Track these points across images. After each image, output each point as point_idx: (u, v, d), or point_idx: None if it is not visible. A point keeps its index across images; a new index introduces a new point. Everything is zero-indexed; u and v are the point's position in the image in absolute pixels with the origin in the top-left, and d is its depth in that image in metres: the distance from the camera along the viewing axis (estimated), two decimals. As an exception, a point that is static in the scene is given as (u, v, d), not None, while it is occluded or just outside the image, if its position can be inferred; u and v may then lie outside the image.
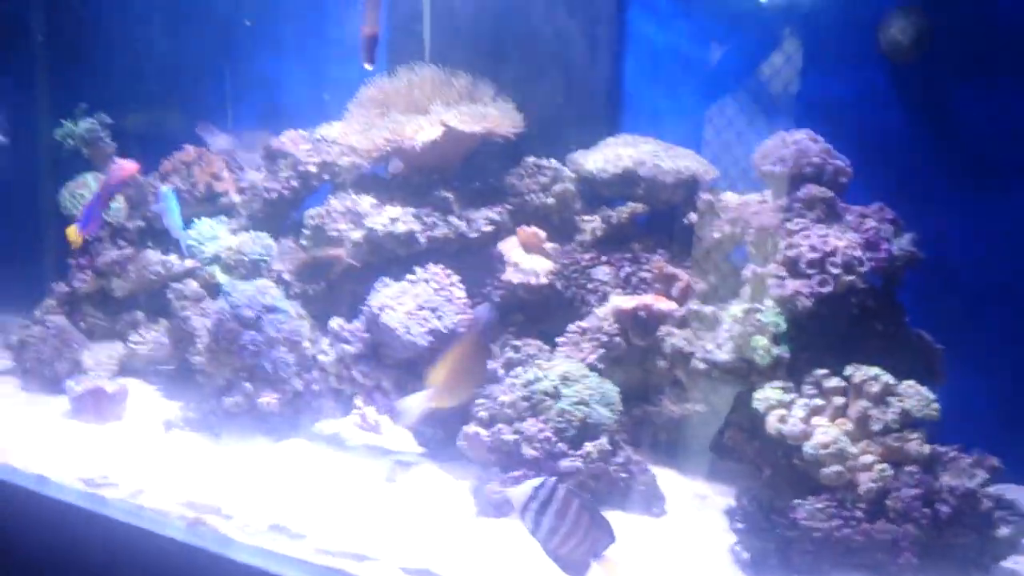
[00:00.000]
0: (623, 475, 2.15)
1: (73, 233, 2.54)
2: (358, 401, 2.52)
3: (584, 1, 2.88)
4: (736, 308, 2.22)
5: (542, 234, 2.64)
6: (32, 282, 3.48)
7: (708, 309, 2.35)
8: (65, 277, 3.02)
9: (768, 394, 2.01)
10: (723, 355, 2.19)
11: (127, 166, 2.38)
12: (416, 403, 1.94)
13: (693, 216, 2.60)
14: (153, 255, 2.96)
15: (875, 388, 1.94)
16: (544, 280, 2.60)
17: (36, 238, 3.46)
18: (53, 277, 3.35)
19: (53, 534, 2.18)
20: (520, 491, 1.65)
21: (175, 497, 2.12)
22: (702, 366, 2.25)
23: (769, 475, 2.14)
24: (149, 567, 2.03)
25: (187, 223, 2.89)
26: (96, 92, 3.12)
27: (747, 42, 2.72)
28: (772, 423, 1.97)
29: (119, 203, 2.97)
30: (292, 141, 2.96)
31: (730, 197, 2.62)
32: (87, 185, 2.97)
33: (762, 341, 2.11)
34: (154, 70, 3.20)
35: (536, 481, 1.65)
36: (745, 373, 2.17)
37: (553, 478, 1.70)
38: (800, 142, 2.34)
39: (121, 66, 3.23)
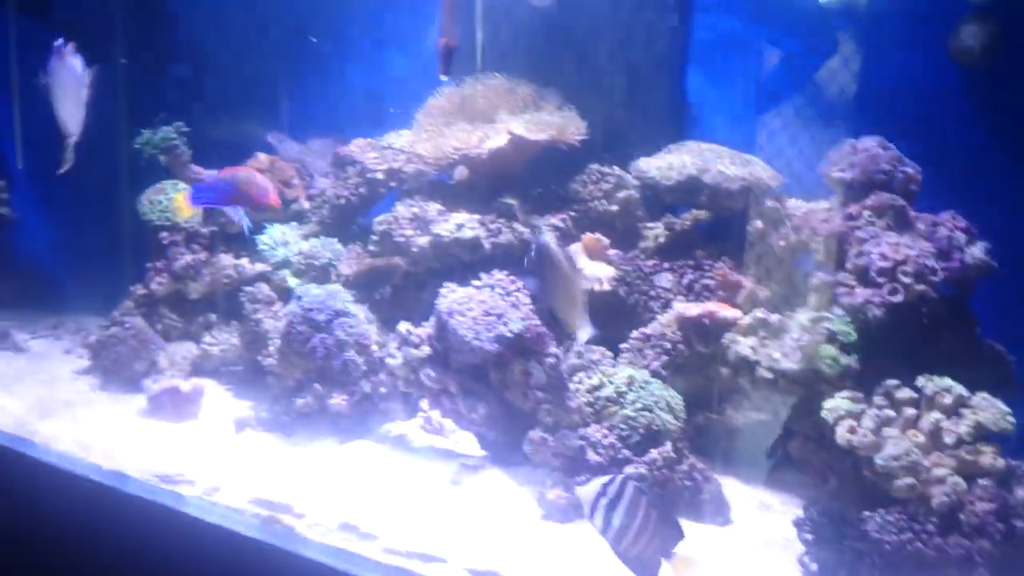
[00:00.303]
0: (688, 483, 2.15)
1: (181, 200, 2.45)
2: (424, 404, 2.56)
3: (647, 8, 2.89)
4: (803, 316, 2.21)
5: (606, 241, 2.65)
6: (110, 285, 3.62)
7: (774, 317, 2.34)
8: (143, 280, 3.13)
9: (837, 404, 1.99)
10: (790, 364, 2.18)
11: (274, 198, 2.33)
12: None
13: (758, 223, 2.59)
14: (226, 259, 3.05)
15: (948, 400, 1.91)
16: (607, 287, 2.62)
17: (115, 242, 3.59)
18: (131, 280, 3.48)
19: (132, 529, 2.24)
20: (588, 489, 1.64)
21: (248, 495, 2.18)
22: (768, 375, 2.24)
23: (835, 486, 2.12)
24: (224, 563, 2.08)
25: (259, 229, 2.98)
26: (174, 101, 3.23)
27: (812, 47, 2.70)
28: (842, 433, 1.95)
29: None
30: (360, 149, 3.03)
31: (796, 204, 2.61)
32: (164, 191, 3.07)
33: (831, 350, 2.10)
34: (229, 80, 3.30)
35: (604, 479, 1.64)
36: (812, 382, 2.15)
37: (621, 475, 1.69)
38: (870, 149, 2.32)
39: (198, 76, 3.34)
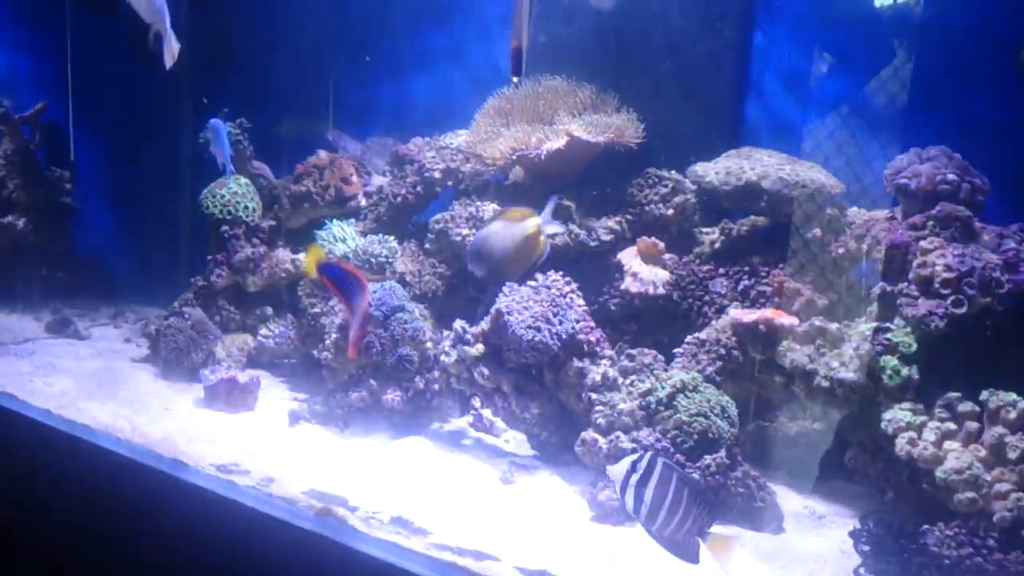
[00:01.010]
0: (741, 490, 2.14)
1: (312, 263, 2.34)
2: (476, 402, 2.58)
3: (708, 15, 2.87)
4: (864, 326, 2.19)
5: (661, 245, 2.65)
6: (168, 275, 3.70)
7: (833, 326, 2.32)
8: (202, 272, 3.19)
9: (898, 416, 1.97)
10: (849, 373, 2.15)
11: (356, 335, 2.35)
12: None
13: (817, 231, 2.57)
14: (284, 254, 3.10)
15: (1012, 415, 1.87)
16: (662, 291, 2.61)
17: (173, 235, 3.67)
18: (187, 271, 3.56)
19: (188, 517, 2.28)
20: (619, 467, 1.64)
21: (303, 487, 2.21)
22: (825, 383, 2.22)
23: (892, 498, 2.10)
24: (278, 553, 2.11)
25: (319, 225, 3.02)
26: (237, 98, 3.29)
27: (874, 57, 2.67)
28: (902, 446, 1.93)
29: (255, 202, 3.13)
30: (418, 148, 3.06)
31: (856, 212, 2.58)
32: (226, 185, 3.13)
33: (892, 361, 2.07)
34: (292, 78, 3.35)
35: (633, 456, 1.65)
36: (871, 393, 2.13)
37: (650, 452, 1.70)
38: (936, 158, 2.29)
39: (261, 74, 3.40)
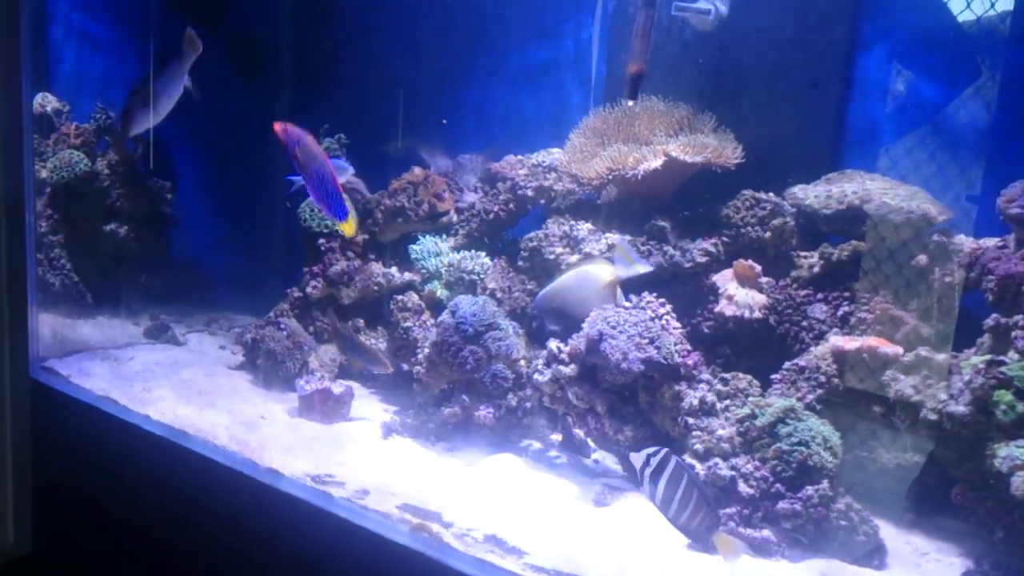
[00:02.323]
0: (843, 523, 2.09)
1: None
2: (568, 421, 2.57)
3: (808, 37, 2.83)
4: (976, 359, 2.11)
5: (758, 268, 2.61)
6: (260, 286, 3.79)
7: (940, 356, 2.25)
8: (298, 283, 3.26)
9: (1014, 453, 1.90)
10: (959, 407, 2.09)
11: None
12: None
13: (922, 258, 2.50)
14: (376, 267, 3.15)
15: None
16: (758, 315, 2.57)
17: (267, 246, 3.76)
18: (280, 282, 3.64)
19: (283, 526, 2.32)
20: (637, 456, 1.83)
21: (397, 500, 2.23)
22: (933, 416, 2.16)
23: (1002, 537, 2.02)
24: (373, 567, 2.13)
25: (411, 239, 3.06)
26: (335, 114, 3.36)
27: (981, 81, 2.60)
28: (1018, 484, 1.86)
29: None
30: (510, 166, 3.08)
31: (963, 240, 2.50)
32: (324, 200, 3.19)
33: (1006, 396, 1.99)
34: (387, 95, 3.40)
35: (650, 449, 1.83)
36: (983, 428, 2.05)
37: (665, 449, 1.85)
38: (1053, 187, 2.21)
39: (357, 91, 3.47)
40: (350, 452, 2.56)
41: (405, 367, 3.02)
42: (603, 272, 2.45)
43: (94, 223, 3.66)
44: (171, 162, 3.84)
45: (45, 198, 3.59)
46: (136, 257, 3.72)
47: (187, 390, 2.95)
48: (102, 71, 4.05)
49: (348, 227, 2.22)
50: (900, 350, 2.35)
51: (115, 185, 3.68)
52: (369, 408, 2.94)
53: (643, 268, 2.46)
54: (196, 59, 2.89)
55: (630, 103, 1.99)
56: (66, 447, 2.95)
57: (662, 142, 2.69)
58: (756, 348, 2.66)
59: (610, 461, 2.56)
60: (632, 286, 2.63)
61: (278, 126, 2.26)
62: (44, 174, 3.56)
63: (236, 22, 3.82)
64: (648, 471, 1.80)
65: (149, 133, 3.46)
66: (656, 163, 2.60)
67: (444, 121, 3.35)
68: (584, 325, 2.43)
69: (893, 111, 2.82)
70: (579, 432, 2.52)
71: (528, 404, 2.57)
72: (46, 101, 3.80)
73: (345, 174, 2.99)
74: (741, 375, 2.50)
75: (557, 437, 2.66)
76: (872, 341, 2.38)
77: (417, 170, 3.20)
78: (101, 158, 3.71)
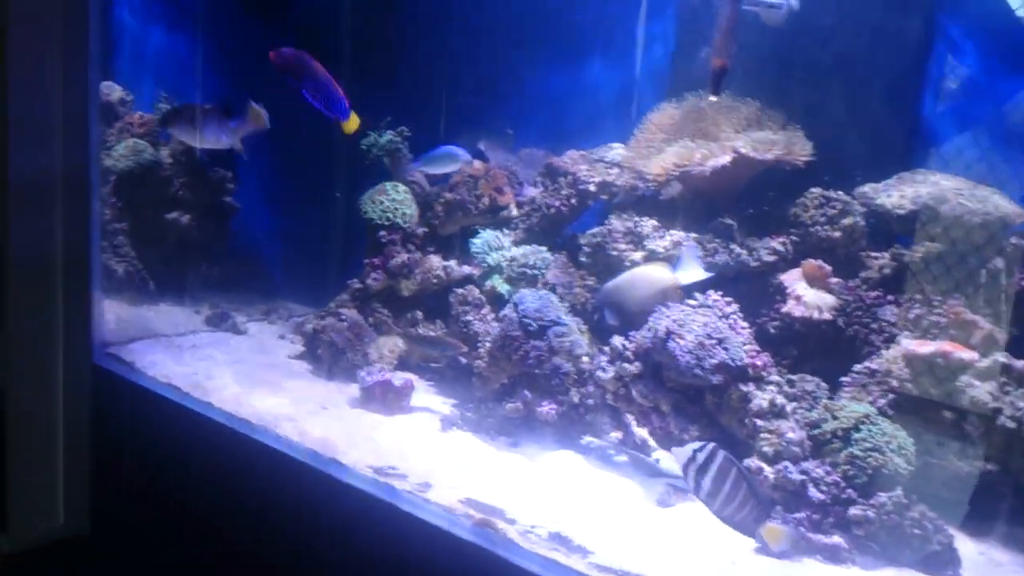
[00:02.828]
0: (917, 531, 2.04)
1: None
2: (629, 419, 2.55)
3: (881, 32, 2.76)
4: (1060, 366, 2.05)
5: (828, 268, 2.56)
6: (319, 276, 3.82)
7: (1020, 363, 2.19)
8: (358, 275, 3.28)
9: (1102, 465, 1.84)
10: (1041, 416, 2.03)
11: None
12: None
13: (998, 261, 2.43)
14: (435, 260, 3.15)
15: None
16: (827, 316, 2.52)
17: (325, 237, 3.78)
18: (337, 273, 3.66)
19: (345, 517, 2.33)
20: (682, 451, 1.81)
21: (459, 495, 2.23)
22: (1011, 424, 2.10)
23: (1083, 551, 1.97)
24: (436, 561, 2.12)
25: (471, 232, 3.06)
26: (397, 107, 3.37)
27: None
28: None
29: (412, 209, 3.19)
30: (572, 161, 3.06)
31: (1044, 243, 2.44)
32: (386, 192, 3.21)
33: (1093, 406, 1.94)
34: (448, 88, 3.40)
35: (696, 444, 1.80)
36: (1066, 438, 2.00)
37: (712, 444, 1.82)
38: None
39: (420, 84, 3.47)
40: (411, 444, 2.56)
41: (463, 361, 3.02)
42: (666, 276, 2.44)
43: (157, 211, 3.71)
44: (232, 152, 3.88)
45: (109, 186, 3.64)
46: (197, 246, 3.77)
47: (249, 379, 2.98)
48: (164, 61, 4.11)
49: (351, 124, 2.27)
50: (975, 355, 2.29)
51: (178, 174, 3.74)
52: (428, 400, 2.94)
53: (705, 275, 2.44)
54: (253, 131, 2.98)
55: (712, 98, 1.96)
56: (128, 432, 3.00)
57: (730, 138, 2.65)
58: (823, 350, 2.61)
59: (672, 461, 2.52)
60: (697, 284, 2.60)
61: (272, 54, 2.32)
62: (108, 162, 3.62)
63: (299, 14, 3.85)
64: (694, 467, 1.79)
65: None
66: (724, 159, 2.56)
67: (510, 132, 3.33)
68: (650, 322, 2.40)
69: (968, 109, 2.75)
70: (640, 431, 2.50)
71: (590, 401, 2.55)
72: (110, 90, 3.86)
73: (457, 163, 3.00)
74: (808, 377, 2.46)
75: (618, 435, 2.64)
76: (946, 345, 2.32)
77: (477, 163, 3.20)
78: (164, 147, 3.77)
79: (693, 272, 2.39)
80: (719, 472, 1.77)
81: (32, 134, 2.90)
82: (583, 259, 2.84)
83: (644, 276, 2.51)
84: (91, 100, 3.02)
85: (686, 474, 1.79)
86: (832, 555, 2.02)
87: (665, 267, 2.49)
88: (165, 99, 3.74)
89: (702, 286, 2.53)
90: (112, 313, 3.32)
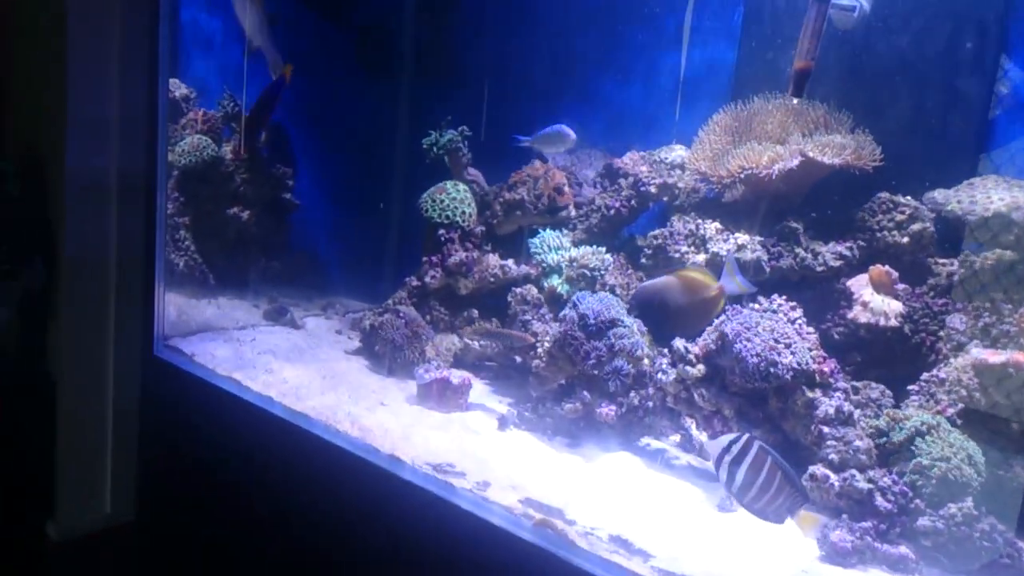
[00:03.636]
0: (986, 544, 2.00)
1: None
2: (687, 422, 2.53)
3: (953, 35, 2.71)
4: None
5: (895, 274, 2.52)
6: (375, 272, 3.86)
7: (1097, 376, 2.13)
8: (412, 272, 3.30)
9: None
10: (1120, 430, 1.97)
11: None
12: None
13: (1075, 270, 2.37)
14: (493, 259, 3.16)
15: None
16: (894, 322, 2.48)
17: (382, 234, 3.82)
18: (393, 270, 3.69)
19: (404, 514, 2.34)
20: (716, 443, 1.80)
21: (517, 494, 2.23)
22: (1088, 438, 2.05)
23: None
24: (496, 561, 2.12)
25: (529, 232, 3.06)
26: (458, 107, 3.38)
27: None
28: None
29: (472, 208, 3.20)
30: (632, 162, 3.05)
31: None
32: (446, 191, 3.22)
33: None
34: (508, 88, 3.41)
35: (732, 435, 1.79)
36: None
37: (747, 435, 1.81)
38: None
39: (480, 83, 3.48)
40: (469, 442, 2.57)
41: (518, 359, 3.03)
42: (709, 284, 2.37)
43: (218, 206, 3.77)
44: (292, 150, 3.93)
45: (172, 181, 3.71)
46: (257, 241, 3.82)
47: (308, 373, 3.01)
48: (227, 61, 4.18)
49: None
50: (1050, 366, 2.24)
51: (239, 171, 3.79)
52: (485, 399, 2.94)
53: (748, 289, 2.37)
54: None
55: (795, 100, 1.93)
56: (186, 424, 3.05)
57: (798, 141, 2.62)
58: (888, 357, 2.57)
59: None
60: (762, 288, 2.58)
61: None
62: (172, 158, 3.69)
63: (363, 15, 3.88)
64: (728, 458, 1.79)
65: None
66: (792, 163, 2.53)
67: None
68: (715, 325, 2.39)
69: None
70: (701, 435, 2.48)
71: (650, 403, 2.54)
72: (175, 87, 3.94)
73: (567, 142, 2.99)
74: (873, 384, 2.43)
75: (676, 438, 2.62)
76: (1019, 355, 2.27)
77: (537, 163, 3.20)
78: (226, 144, 3.83)
79: (737, 285, 2.31)
80: (754, 463, 1.76)
81: (90, 131, 2.97)
82: (643, 260, 2.83)
83: (686, 282, 2.41)
84: (160, 98, 3.08)
85: (719, 466, 1.80)
86: (899, 565, 1.98)
87: (707, 274, 2.42)
88: (229, 97, 3.80)
89: (768, 284, 2.51)
90: (173, 306, 3.38)
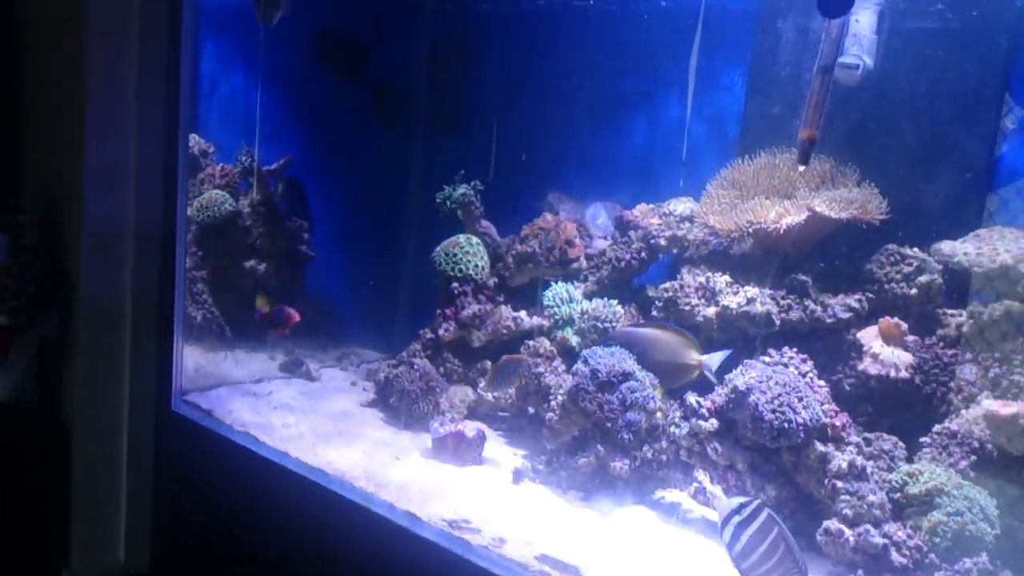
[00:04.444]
0: (1003, 598, 2.00)
1: None
2: (699, 475, 2.54)
3: (957, 90, 2.76)
4: None
5: (904, 326, 2.54)
6: (388, 324, 3.90)
7: (1108, 428, 2.14)
8: (426, 322, 3.34)
9: None
10: None
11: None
12: None
13: (1085, 322, 2.39)
14: (506, 311, 3.20)
15: None
16: (904, 374, 2.50)
17: (395, 286, 3.87)
18: (407, 322, 3.73)
19: (420, 571, 2.36)
20: (727, 503, 1.81)
21: (533, 550, 2.24)
22: (1101, 491, 2.05)
23: None
24: (511, 617, 2.15)
25: (541, 284, 3.11)
26: (470, 161, 3.45)
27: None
28: None
29: (484, 261, 3.26)
30: (642, 214, 3.10)
31: None
32: (459, 244, 3.28)
33: None
34: (518, 141, 3.47)
35: (743, 499, 1.80)
36: None
37: (758, 500, 1.82)
38: None
39: (491, 137, 3.55)
40: (484, 497, 2.59)
41: (531, 410, 3.05)
42: (692, 354, 2.51)
43: (235, 260, 3.84)
44: (307, 203, 4.01)
45: (190, 235, 3.79)
46: (273, 293, 3.88)
47: (324, 427, 3.05)
48: (245, 116, 4.28)
49: None
50: (1061, 417, 2.25)
51: (256, 224, 3.87)
52: (498, 451, 2.96)
53: (715, 380, 2.51)
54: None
55: (801, 168, 1.99)
56: (203, 479, 3.08)
57: (805, 196, 2.66)
58: (899, 408, 2.59)
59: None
60: (771, 341, 2.61)
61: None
62: (190, 212, 3.76)
63: (377, 71, 3.98)
64: (737, 519, 1.79)
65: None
66: (800, 218, 2.57)
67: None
68: (729, 379, 2.42)
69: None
70: (714, 488, 2.49)
71: (663, 457, 2.56)
72: (194, 142, 4.03)
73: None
74: (886, 436, 2.44)
75: (689, 492, 2.63)
76: (1030, 406, 2.29)
77: (549, 216, 3.26)
78: (243, 197, 3.91)
79: (713, 365, 2.45)
80: (761, 528, 1.76)
81: (107, 182, 3.03)
82: (654, 313, 2.86)
83: (669, 344, 2.57)
84: (180, 151, 3.15)
85: (725, 525, 1.80)
86: (916, 622, 1.99)
87: (694, 344, 2.54)
88: (247, 152, 3.89)
89: (778, 335, 2.55)
90: (190, 360, 3.42)
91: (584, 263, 3.21)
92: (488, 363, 3.24)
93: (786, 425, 2.23)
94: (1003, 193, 2.71)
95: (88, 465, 3.14)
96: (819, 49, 1.93)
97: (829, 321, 2.61)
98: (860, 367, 2.55)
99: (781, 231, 2.59)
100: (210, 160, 4.04)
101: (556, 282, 3.12)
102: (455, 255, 3.24)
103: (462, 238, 3.29)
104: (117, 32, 2.96)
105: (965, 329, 2.61)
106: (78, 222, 2.99)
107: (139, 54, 3.00)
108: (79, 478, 3.13)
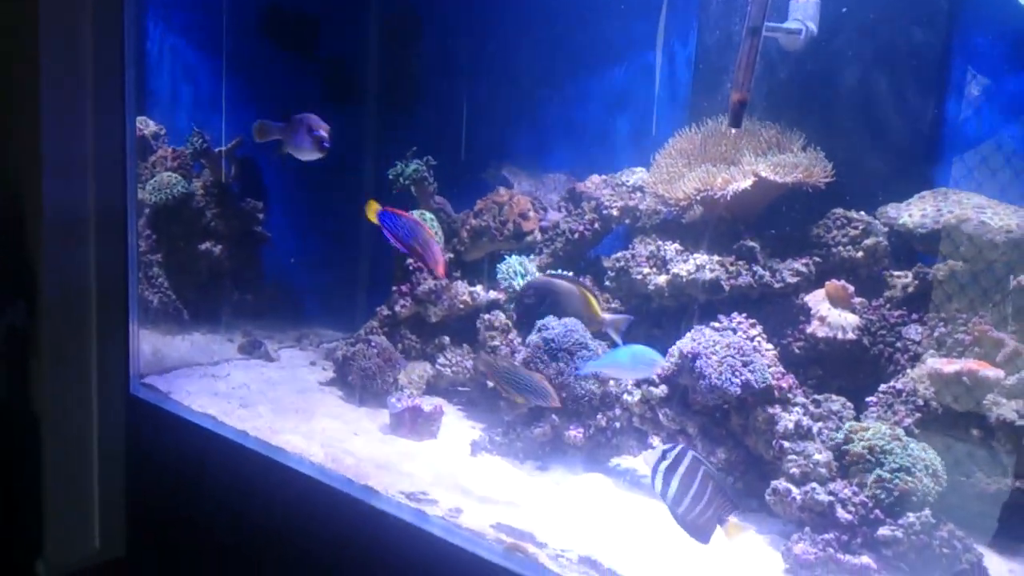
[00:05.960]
0: (946, 551, 2.05)
1: (373, 208, 2.52)
2: (655, 441, 2.57)
3: (899, 53, 2.78)
4: (1086, 384, 2.06)
5: (851, 289, 2.58)
6: (346, 302, 3.88)
7: (1047, 381, 2.19)
8: (384, 300, 3.34)
9: None
10: (1068, 434, 2.03)
11: (440, 271, 2.51)
12: None
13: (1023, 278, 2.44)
14: (462, 286, 3.21)
15: None
16: (852, 336, 2.54)
17: (353, 264, 3.85)
18: (365, 299, 3.72)
19: (378, 543, 2.37)
20: (652, 452, 1.87)
21: (489, 519, 2.26)
22: (1038, 442, 2.11)
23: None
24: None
25: (496, 258, 3.11)
26: (422, 136, 3.43)
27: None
28: None
29: (440, 238, 3.25)
30: (595, 186, 3.10)
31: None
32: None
33: (1120, 424, 1.94)
34: (471, 115, 3.46)
35: (666, 446, 1.86)
36: (1094, 456, 2.00)
37: (681, 445, 1.92)
38: None
39: (444, 111, 3.54)
40: (442, 469, 2.60)
41: (489, 384, 3.06)
42: (597, 314, 2.53)
43: (190, 242, 3.80)
44: (262, 183, 3.97)
45: (144, 219, 3.74)
46: (229, 274, 3.85)
47: (282, 406, 3.04)
48: (194, 95, 4.21)
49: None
50: (1002, 373, 2.30)
51: (209, 205, 3.82)
52: (457, 425, 2.98)
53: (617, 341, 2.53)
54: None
55: (732, 131, 1.99)
56: (164, 461, 3.06)
57: (751, 162, 2.68)
58: (848, 369, 2.63)
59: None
60: (722, 306, 2.64)
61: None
62: (142, 196, 3.71)
63: (328, 47, 3.94)
64: (664, 464, 1.83)
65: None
66: (746, 184, 2.59)
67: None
68: (676, 345, 2.44)
69: (990, 127, 2.75)
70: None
71: (617, 424, 2.58)
72: (144, 125, 3.97)
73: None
74: (834, 397, 2.48)
75: (644, 457, 2.66)
76: (972, 364, 2.33)
77: (502, 190, 3.25)
78: (196, 179, 3.86)
79: (615, 329, 2.48)
80: (687, 471, 1.81)
81: (66, 169, 2.98)
82: (607, 283, 2.88)
83: (580, 299, 2.57)
84: (128, 136, 3.11)
85: (655, 474, 1.84)
86: (861, 575, 2.03)
87: (600, 306, 2.58)
88: (198, 133, 3.84)
89: (727, 301, 2.58)
90: (147, 343, 3.39)
91: (539, 236, 3.21)
92: (446, 338, 3.24)
93: (730, 387, 2.26)
94: (967, 158, 2.74)
95: (59, 453, 3.11)
96: (747, 11, 1.94)
97: (778, 286, 2.64)
98: (808, 330, 2.58)
99: (728, 197, 2.61)
100: (162, 142, 3.99)
101: (511, 256, 3.12)
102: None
103: (416, 214, 3.28)
104: (69, 16, 2.91)
105: (910, 290, 2.65)
106: (38, 210, 2.95)
107: (93, 36, 2.95)
108: (51, 466, 3.11)
